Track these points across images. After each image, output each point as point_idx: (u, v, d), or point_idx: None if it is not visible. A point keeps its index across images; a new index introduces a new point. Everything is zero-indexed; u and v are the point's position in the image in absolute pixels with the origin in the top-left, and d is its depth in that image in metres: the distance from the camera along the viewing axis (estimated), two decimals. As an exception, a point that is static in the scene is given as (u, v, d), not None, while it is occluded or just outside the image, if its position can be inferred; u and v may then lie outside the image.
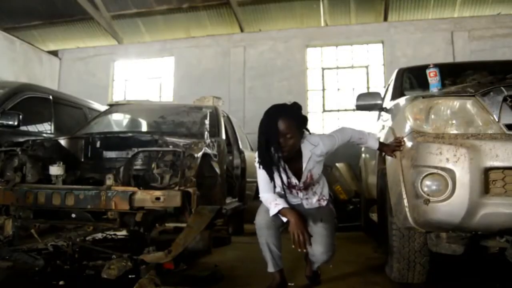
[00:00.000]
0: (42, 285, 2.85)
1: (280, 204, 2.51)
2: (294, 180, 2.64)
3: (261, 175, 2.61)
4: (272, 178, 2.57)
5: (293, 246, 2.42)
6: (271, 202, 2.55)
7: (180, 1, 10.22)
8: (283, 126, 2.43)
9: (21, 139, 3.91)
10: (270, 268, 2.64)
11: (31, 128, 4.88)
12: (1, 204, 3.36)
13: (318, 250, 2.59)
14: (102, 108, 6.10)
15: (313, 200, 2.76)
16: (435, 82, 2.75)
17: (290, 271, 3.03)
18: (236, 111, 8.98)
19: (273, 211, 2.52)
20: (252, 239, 5.19)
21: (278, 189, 2.68)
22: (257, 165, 2.61)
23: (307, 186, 2.70)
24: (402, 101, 2.76)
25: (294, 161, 2.60)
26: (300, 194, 2.73)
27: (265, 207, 2.63)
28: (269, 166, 2.54)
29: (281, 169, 2.59)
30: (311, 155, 2.59)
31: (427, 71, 2.79)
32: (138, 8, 10.61)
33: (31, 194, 3.17)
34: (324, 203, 2.79)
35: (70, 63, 11.21)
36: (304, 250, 2.46)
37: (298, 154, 2.60)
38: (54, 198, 3.12)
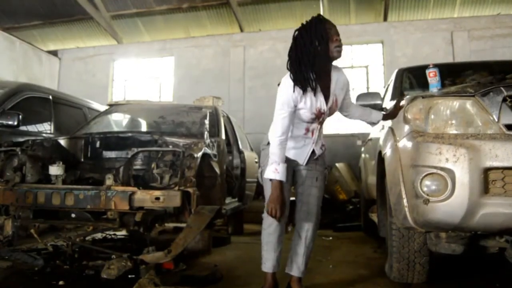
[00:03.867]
0: (42, 285, 2.84)
1: (279, 173, 2.36)
2: (323, 106, 2.47)
3: (284, 106, 2.38)
4: (297, 102, 2.39)
5: (267, 214, 2.41)
6: (273, 163, 2.37)
7: (180, 1, 10.24)
8: (335, 27, 2.44)
9: (20, 139, 3.91)
10: (269, 268, 2.56)
11: (31, 128, 4.87)
12: (1, 204, 3.36)
13: (310, 208, 2.61)
14: (102, 108, 6.10)
15: (319, 145, 2.66)
16: (434, 82, 2.74)
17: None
18: (236, 111, 8.99)
19: (269, 174, 2.38)
20: (252, 239, 5.23)
21: (300, 122, 2.51)
22: (284, 89, 2.39)
23: (324, 120, 2.59)
24: (401, 101, 2.76)
25: (323, 80, 2.46)
26: (316, 134, 2.59)
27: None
28: (306, 83, 2.35)
29: (316, 91, 2.42)
30: (338, 78, 2.53)
31: (427, 71, 2.79)
32: (138, 8, 10.62)
33: (30, 194, 3.17)
34: (324, 149, 2.72)
35: (70, 63, 11.23)
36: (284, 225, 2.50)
37: (327, 73, 2.49)
38: (54, 198, 3.12)
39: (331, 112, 2.57)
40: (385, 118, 2.77)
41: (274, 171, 2.37)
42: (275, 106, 2.43)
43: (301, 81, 2.35)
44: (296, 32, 2.42)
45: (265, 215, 2.53)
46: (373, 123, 2.86)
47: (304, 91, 2.37)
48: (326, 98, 2.49)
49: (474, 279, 3.08)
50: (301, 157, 2.60)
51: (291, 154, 2.56)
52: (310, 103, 2.42)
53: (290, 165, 2.54)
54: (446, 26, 9.22)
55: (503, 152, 2.04)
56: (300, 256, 2.62)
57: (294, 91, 2.36)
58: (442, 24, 9.30)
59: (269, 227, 2.52)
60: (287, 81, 2.40)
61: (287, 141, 2.45)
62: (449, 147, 2.13)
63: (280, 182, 2.37)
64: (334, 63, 2.51)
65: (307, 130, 2.56)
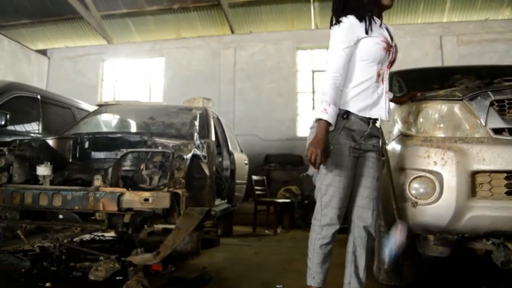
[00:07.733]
0: (28, 286, 2.81)
1: (328, 114, 2.01)
2: (389, 39, 2.26)
3: (346, 38, 2.13)
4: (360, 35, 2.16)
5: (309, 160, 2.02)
6: (323, 102, 2.05)
7: (170, 1, 10.20)
8: None
9: (8, 139, 3.86)
10: (319, 283, 2.24)
11: (19, 127, 4.82)
12: (-13, 205, 3.31)
13: (368, 215, 2.20)
14: (91, 108, 6.05)
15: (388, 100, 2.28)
16: None
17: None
18: (226, 112, 8.98)
19: (316, 114, 2.07)
20: (241, 241, 5.22)
21: (371, 64, 2.17)
22: (346, 23, 2.14)
23: (390, 61, 2.28)
24: (391, 104, 2.78)
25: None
26: (386, 81, 2.22)
27: (336, 202, 2.11)
28: (369, 10, 2.21)
29: (377, 26, 2.26)
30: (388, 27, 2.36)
31: None
32: (129, 8, 10.57)
33: (17, 195, 3.13)
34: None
35: (59, 62, 11.13)
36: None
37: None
38: (41, 198, 3.09)
39: (395, 55, 2.29)
40: (393, 99, 2.59)
41: (322, 111, 2.03)
42: (330, 47, 2.16)
43: (365, 9, 2.21)
44: None
45: (319, 224, 2.20)
46: None
47: (370, 20, 2.20)
48: (391, 37, 2.31)
49: (461, 281, 3.11)
50: (382, 110, 2.18)
51: (367, 113, 2.15)
52: (377, 32, 2.22)
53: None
54: (435, 31, 9.32)
55: (490, 155, 2.06)
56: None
57: (359, 22, 2.17)
58: (431, 28, 9.40)
59: (325, 238, 2.21)
60: (346, 19, 2.15)
61: (342, 86, 2.11)
62: (437, 150, 2.15)
63: (327, 124, 2.03)
64: None
65: (378, 75, 2.18)
